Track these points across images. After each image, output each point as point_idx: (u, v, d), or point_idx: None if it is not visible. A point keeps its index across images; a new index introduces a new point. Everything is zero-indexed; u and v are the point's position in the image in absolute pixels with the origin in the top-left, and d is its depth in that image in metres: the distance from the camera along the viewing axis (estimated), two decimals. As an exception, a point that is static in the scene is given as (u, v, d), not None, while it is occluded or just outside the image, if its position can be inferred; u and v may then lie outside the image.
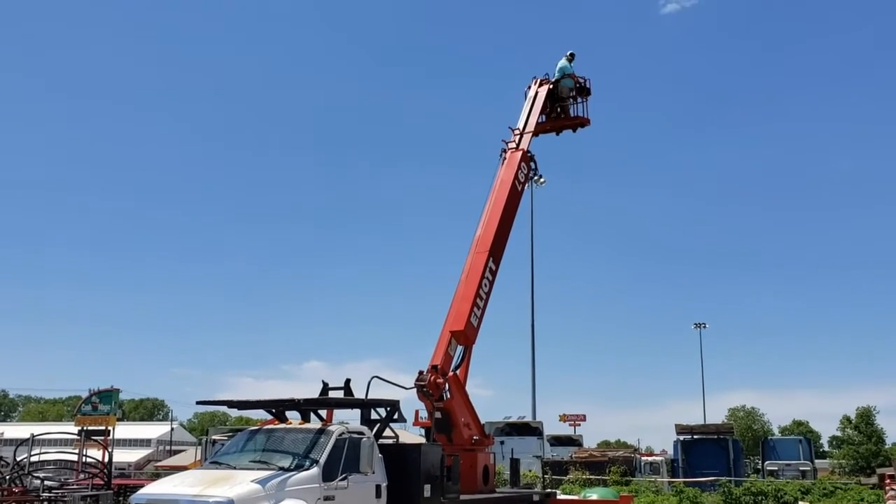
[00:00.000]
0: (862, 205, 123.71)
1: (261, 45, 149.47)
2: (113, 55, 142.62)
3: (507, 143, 16.87)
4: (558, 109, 18.34)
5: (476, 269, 14.60)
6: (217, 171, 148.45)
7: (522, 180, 16.35)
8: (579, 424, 53.03)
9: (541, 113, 17.72)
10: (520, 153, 16.46)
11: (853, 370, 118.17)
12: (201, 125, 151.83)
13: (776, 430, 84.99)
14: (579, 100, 18.41)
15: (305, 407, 11.50)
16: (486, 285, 14.56)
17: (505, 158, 16.57)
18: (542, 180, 43.29)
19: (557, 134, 18.55)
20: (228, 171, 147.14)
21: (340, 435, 10.19)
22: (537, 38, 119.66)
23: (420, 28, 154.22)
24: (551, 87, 18.08)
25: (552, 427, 45.06)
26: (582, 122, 18.40)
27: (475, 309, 14.10)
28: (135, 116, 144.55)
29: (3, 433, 74.56)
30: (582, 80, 18.39)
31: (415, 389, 12.79)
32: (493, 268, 14.91)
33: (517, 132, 17.06)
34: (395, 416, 11.24)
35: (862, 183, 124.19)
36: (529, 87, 18.30)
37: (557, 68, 18.41)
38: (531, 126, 17.25)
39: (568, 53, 18.67)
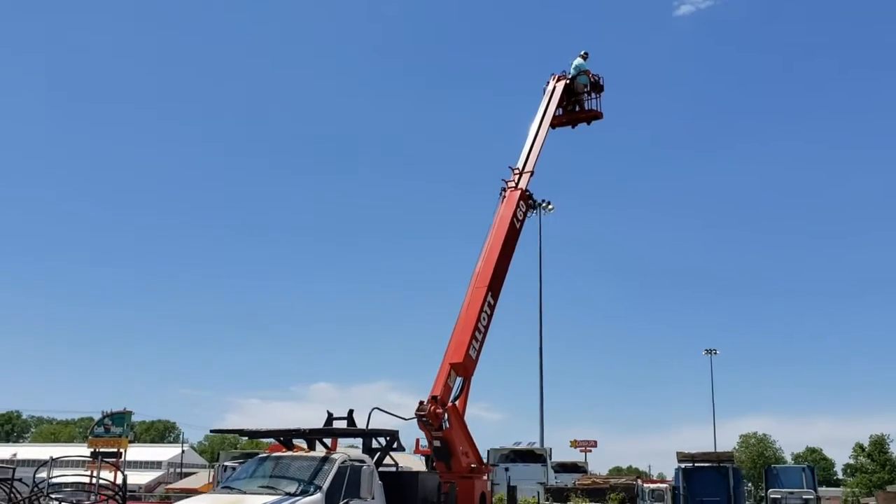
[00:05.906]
0: (876, 229, 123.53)
1: (268, 56, 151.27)
2: (116, 57, 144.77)
3: (506, 182, 17.39)
4: (574, 103, 19.91)
5: (475, 302, 15.06)
6: (226, 189, 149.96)
7: (521, 218, 16.90)
8: (590, 450, 53.06)
9: (557, 106, 19.18)
10: (518, 192, 16.99)
11: (869, 396, 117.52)
12: (216, 138, 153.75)
13: (789, 457, 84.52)
14: (593, 95, 19.92)
15: (311, 436, 12.22)
16: (484, 319, 14.98)
17: (504, 197, 17.14)
18: (550, 207, 43.84)
19: (573, 127, 20.04)
20: (239, 189, 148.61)
21: (343, 462, 10.87)
22: (543, 49, 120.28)
23: (432, 41, 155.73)
24: (568, 82, 19.59)
25: (563, 453, 45.22)
26: (595, 115, 19.95)
27: (474, 342, 14.51)
28: (153, 134, 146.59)
29: (16, 454, 75.27)
30: (596, 77, 19.95)
31: (415, 419, 13.41)
32: (492, 302, 15.38)
33: (517, 171, 17.59)
34: (395, 445, 11.95)
35: (876, 207, 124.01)
36: (548, 83, 19.66)
37: (573, 66, 19.91)
38: (543, 132, 18.24)
39: (582, 52, 20.20)
